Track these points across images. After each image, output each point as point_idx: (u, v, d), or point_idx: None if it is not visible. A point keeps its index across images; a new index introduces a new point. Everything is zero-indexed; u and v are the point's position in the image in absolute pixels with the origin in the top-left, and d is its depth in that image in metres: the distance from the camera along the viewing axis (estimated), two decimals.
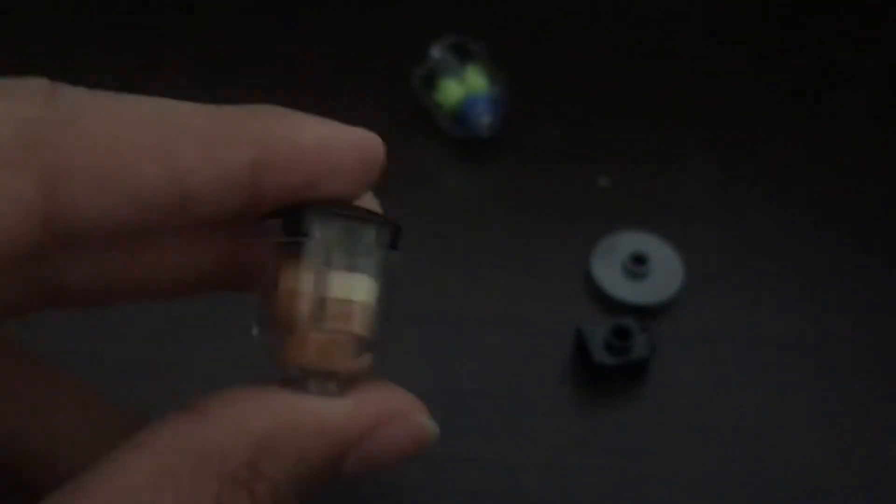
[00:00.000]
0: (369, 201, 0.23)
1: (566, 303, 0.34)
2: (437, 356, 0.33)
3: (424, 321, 0.33)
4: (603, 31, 0.44)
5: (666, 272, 0.35)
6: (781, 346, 0.33)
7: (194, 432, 0.17)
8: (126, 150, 0.18)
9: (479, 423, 0.31)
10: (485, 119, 0.38)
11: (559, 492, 0.30)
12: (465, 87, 0.38)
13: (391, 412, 0.20)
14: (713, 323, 0.34)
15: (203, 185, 0.18)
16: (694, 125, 0.40)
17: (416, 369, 0.32)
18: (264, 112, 0.20)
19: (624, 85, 0.42)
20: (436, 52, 0.39)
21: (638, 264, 0.34)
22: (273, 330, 0.20)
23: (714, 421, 0.31)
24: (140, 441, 0.17)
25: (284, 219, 0.19)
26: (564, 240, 0.36)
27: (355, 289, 0.20)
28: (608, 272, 0.35)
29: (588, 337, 0.32)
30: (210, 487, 0.17)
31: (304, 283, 0.19)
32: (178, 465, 0.17)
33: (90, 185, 0.17)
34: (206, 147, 0.18)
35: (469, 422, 0.31)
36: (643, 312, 0.34)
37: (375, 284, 0.20)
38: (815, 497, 0.30)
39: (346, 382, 0.20)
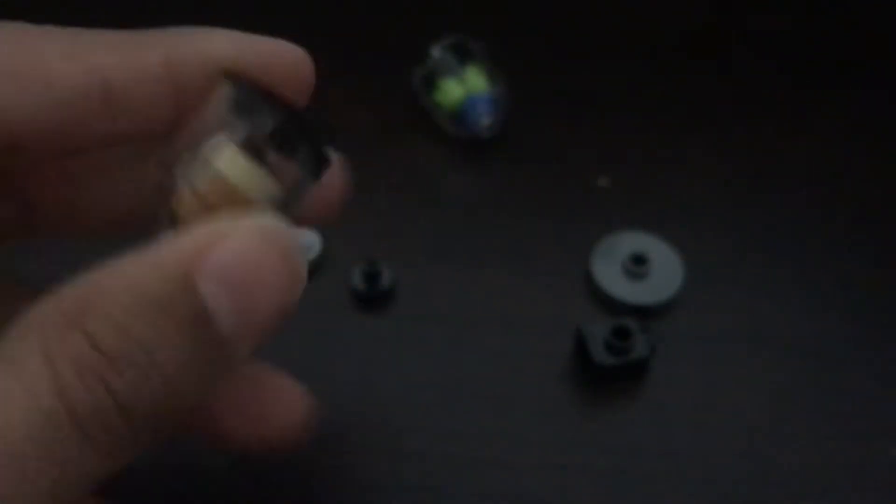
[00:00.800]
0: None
1: (566, 303, 0.34)
2: (437, 356, 0.33)
3: (424, 321, 0.33)
4: (603, 31, 0.44)
5: (666, 272, 0.35)
6: (781, 346, 0.33)
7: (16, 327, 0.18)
8: (37, 54, 0.19)
9: (479, 423, 0.31)
10: (485, 119, 0.38)
11: (559, 492, 0.30)
12: (465, 87, 0.38)
13: (217, 231, 0.18)
14: (713, 323, 0.34)
15: (121, 82, 0.20)
16: (694, 125, 0.40)
17: (417, 369, 0.32)
18: (175, 28, 0.22)
19: (624, 85, 0.42)
20: (436, 52, 0.39)
21: (638, 264, 0.34)
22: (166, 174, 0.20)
23: (714, 421, 0.31)
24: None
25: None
26: (564, 240, 0.36)
27: (237, 168, 0.19)
28: (608, 272, 0.35)
29: (588, 337, 0.32)
30: (35, 342, 0.17)
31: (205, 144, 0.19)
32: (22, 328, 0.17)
33: (8, 87, 0.19)
34: (118, 48, 0.20)
35: (469, 422, 0.31)
36: (643, 312, 0.34)
37: (265, 177, 0.19)
38: (815, 497, 0.30)
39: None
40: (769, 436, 0.31)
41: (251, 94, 0.20)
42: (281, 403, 0.24)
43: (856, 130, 0.40)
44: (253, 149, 0.19)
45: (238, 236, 0.18)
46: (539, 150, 0.39)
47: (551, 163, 0.39)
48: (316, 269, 0.34)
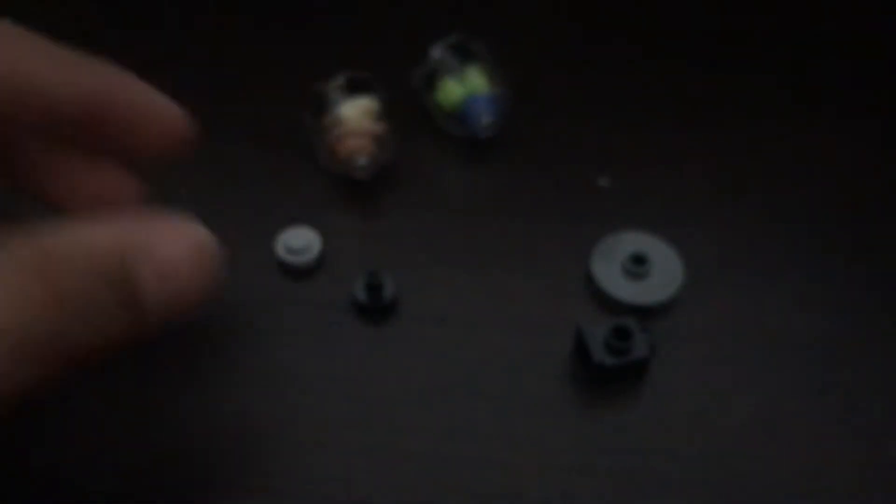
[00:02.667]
0: None
1: (566, 303, 0.34)
2: (436, 357, 0.33)
3: (424, 322, 0.33)
4: (603, 31, 0.44)
5: (666, 272, 0.35)
6: (781, 346, 0.33)
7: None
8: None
9: (479, 423, 0.31)
10: (485, 119, 0.38)
11: (559, 492, 0.30)
12: (465, 86, 0.38)
13: (166, 229, 0.24)
14: (713, 323, 0.34)
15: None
16: (694, 126, 0.40)
17: (416, 369, 0.32)
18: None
19: (624, 85, 0.42)
20: (436, 52, 0.39)
21: (638, 264, 0.34)
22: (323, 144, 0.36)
23: (714, 421, 0.31)
24: None
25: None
26: (564, 240, 0.36)
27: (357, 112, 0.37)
28: (608, 272, 0.35)
29: (588, 337, 0.32)
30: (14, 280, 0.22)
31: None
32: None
33: None
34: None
35: (469, 422, 0.31)
36: (643, 312, 0.34)
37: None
38: (815, 497, 0.30)
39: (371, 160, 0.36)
40: (769, 435, 0.31)
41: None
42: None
43: (856, 130, 0.40)
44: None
45: (179, 241, 0.24)
46: (539, 150, 0.39)
47: (551, 163, 0.39)
48: (315, 268, 0.34)
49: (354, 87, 0.37)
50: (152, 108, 0.28)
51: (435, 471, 0.30)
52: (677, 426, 0.31)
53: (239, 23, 0.44)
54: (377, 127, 0.36)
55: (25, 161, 0.28)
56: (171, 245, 0.24)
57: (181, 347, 0.32)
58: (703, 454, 0.31)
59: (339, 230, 0.36)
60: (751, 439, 0.31)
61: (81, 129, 0.27)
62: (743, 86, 0.42)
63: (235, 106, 0.40)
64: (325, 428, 0.31)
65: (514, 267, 0.35)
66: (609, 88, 0.42)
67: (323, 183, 0.37)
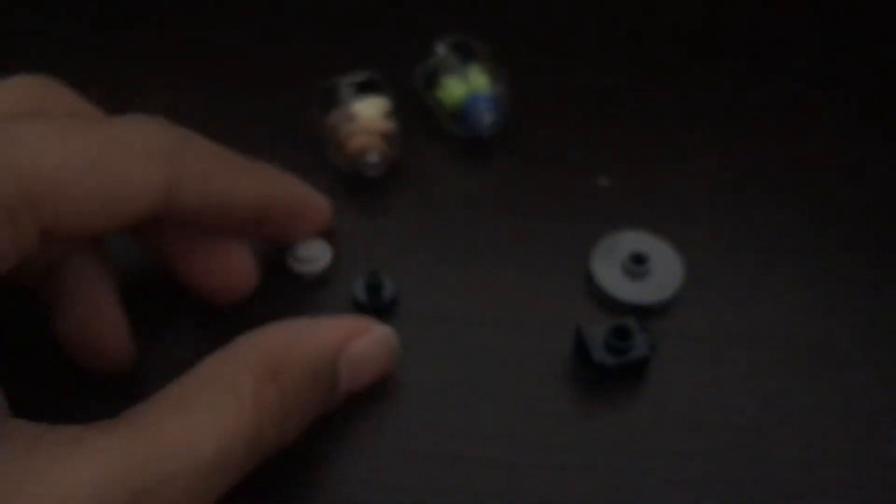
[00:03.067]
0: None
1: (566, 303, 0.34)
2: (437, 356, 0.33)
3: (424, 321, 0.33)
4: (604, 31, 0.44)
5: (666, 272, 0.35)
6: (781, 346, 0.33)
7: (233, 352, 0.26)
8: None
9: (478, 423, 0.31)
10: (487, 118, 0.38)
11: (559, 492, 0.30)
12: (467, 85, 0.38)
13: (360, 327, 0.29)
14: (713, 323, 0.34)
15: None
16: (694, 125, 0.40)
17: (416, 369, 0.32)
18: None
19: (624, 85, 0.42)
20: (439, 50, 0.39)
21: (638, 264, 0.34)
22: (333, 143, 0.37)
23: (714, 421, 0.31)
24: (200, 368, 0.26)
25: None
26: (564, 240, 0.36)
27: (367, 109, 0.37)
28: (608, 272, 0.35)
29: (588, 337, 0.32)
30: (244, 381, 0.25)
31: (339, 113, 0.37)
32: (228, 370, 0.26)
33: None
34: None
35: (469, 422, 0.31)
36: (643, 312, 0.34)
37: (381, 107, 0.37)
38: (814, 497, 0.30)
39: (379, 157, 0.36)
40: (769, 435, 0.31)
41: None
42: (232, 258, 0.32)
43: (856, 131, 0.40)
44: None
45: (369, 338, 0.29)
46: (540, 150, 0.39)
47: (552, 162, 0.39)
48: (324, 280, 0.34)
49: (364, 87, 0.37)
50: (309, 205, 0.32)
51: (435, 470, 0.30)
52: (677, 426, 0.31)
53: (238, 22, 0.44)
54: (389, 126, 0.37)
55: (173, 245, 0.31)
56: (363, 344, 0.29)
57: (179, 347, 0.32)
58: (703, 454, 0.31)
59: (338, 229, 0.36)
60: (750, 439, 0.31)
61: (245, 225, 0.31)
62: (743, 86, 0.42)
63: (236, 106, 0.40)
64: (324, 427, 0.31)
65: (514, 266, 0.35)
66: (610, 88, 0.42)
67: (324, 182, 0.37)
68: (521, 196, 0.38)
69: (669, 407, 0.32)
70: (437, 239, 0.36)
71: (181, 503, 0.23)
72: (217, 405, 0.24)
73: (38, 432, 0.23)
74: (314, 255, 0.34)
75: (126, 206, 0.26)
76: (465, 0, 0.45)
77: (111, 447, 0.22)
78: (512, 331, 0.33)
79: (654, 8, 0.45)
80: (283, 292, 0.34)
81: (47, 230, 0.25)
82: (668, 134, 0.40)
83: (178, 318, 0.33)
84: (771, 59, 0.43)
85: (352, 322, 0.29)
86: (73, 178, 0.24)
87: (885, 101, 0.42)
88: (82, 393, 0.31)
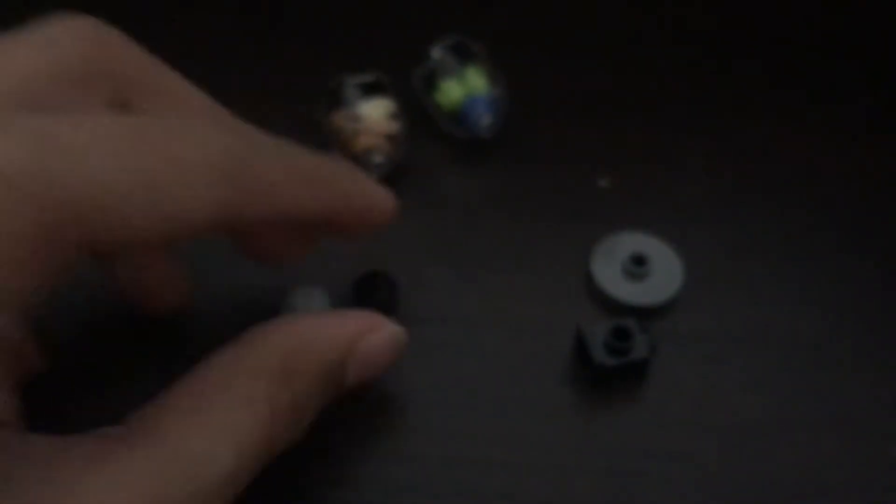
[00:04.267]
0: None
1: (566, 303, 0.34)
2: (437, 356, 0.33)
3: (424, 321, 0.33)
4: (604, 32, 0.44)
5: (666, 272, 0.35)
6: (781, 346, 0.33)
7: (244, 354, 0.26)
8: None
9: (478, 423, 0.31)
10: (485, 119, 0.38)
11: (559, 492, 0.30)
12: (465, 87, 0.38)
13: (370, 324, 0.28)
14: (713, 323, 0.34)
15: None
16: (694, 126, 0.40)
17: (416, 369, 0.32)
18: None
19: (624, 85, 0.42)
20: (436, 52, 0.39)
21: (638, 265, 0.34)
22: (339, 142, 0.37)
23: (714, 421, 0.31)
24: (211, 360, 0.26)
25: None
26: (564, 240, 0.36)
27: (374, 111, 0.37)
28: (608, 273, 0.35)
29: (588, 337, 0.32)
30: (259, 387, 0.25)
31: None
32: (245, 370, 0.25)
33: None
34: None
35: (469, 422, 0.31)
36: (643, 313, 0.34)
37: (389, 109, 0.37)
38: (815, 497, 0.30)
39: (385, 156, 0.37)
40: (769, 436, 0.31)
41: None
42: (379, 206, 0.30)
43: (857, 130, 0.40)
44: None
45: (378, 336, 0.28)
46: (539, 150, 0.39)
47: (551, 163, 0.39)
48: None
49: (369, 88, 0.37)
50: (375, 206, 0.30)
51: (434, 471, 0.30)
52: (677, 426, 0.31)
53: (238, 22, 0.44)
54: (394, 127, 0.37)
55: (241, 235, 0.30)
56: (373, 342, 0.28)
57: (176, 354, 0.32)
58: (703, 454, 0.31)
59: None
60: (751, 439, 0.31)
61: (305, 231, 0.30)
62: (743, 86, 0.42)
63: (236, 106, 0.40)
64: (323, 429, 0.31)
65: (513, 267, 0.35)
66: (609, 89, 0.42)
67: None
68: (521, 197, 0.38)
69: (669, 408, 0.32)
70: (437, 239, 0.36)
71: None
72: (233, 415, 0.24)
73: (57, 448, 0.22)
74: (310, 307, 0.33)
75: (179, 227, 0.23)
76: (464, 1, 0.45)
77: (134, 465, 0.22)
78: (512, 331, 0.33)
79: (654, 8, 0.45)
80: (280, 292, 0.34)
81: (89, 248, 0.22)
82: (668, 134, 0.40)
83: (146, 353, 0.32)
84: (771, 60, 0.43)
85: (362, 319, 0.28)
86: (125, 198, 0.22)
87: (886, 101, 0.42)
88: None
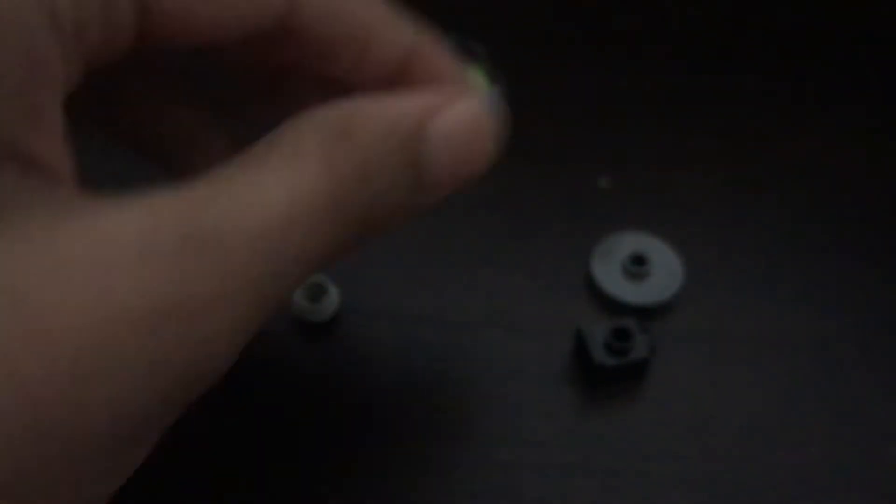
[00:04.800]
0: None
1: (566, 303, 0.34)
2: (436, 356, 0.33)
3: (424, 321, 0.33)
4: (603, 32, 0.44)
5: (666, 272, 0.35)
6: (781, 346, 0.33)
7: (284, 128, 0.22)
8: None
9: (478, 423, 0.31)
10: None
11: (559, 492, 0.30)
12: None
13: (440, 98, 0.23)
14: (713, 323, 0.34)
15: None
16: (694, 126, 0.40)
17: (415, 369, 0.32)
18: None
19: (624, 86, 0.42)
20: None
21: (638, 265, 0.34)
22: None
23: (714, 421, 0.31)
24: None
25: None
26: (564, 240, 0.36)
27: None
28: (608, 272, 0.35)
29: (588, 338, 0.32)
30: (313, 139, 0.21)
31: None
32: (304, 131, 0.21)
33: None
34: None
35: (468, 422, 0.31)
36: (643, 313, 0.34)
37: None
38: (815, 497, 0.30)
39: None
40: (769, 436, 0.31)
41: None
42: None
43: (856, 133, 0.40)
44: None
45: (455, 112, 0.23)
46: (539, 150, 0.39)
47: (551, 163, 0.39)
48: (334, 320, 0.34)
49: None
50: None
51: (434, 471, 0.30)
52: (677, 426, 0.31)
53: None
54: None
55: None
56: (458, 109, 0.24)
57: None
58: (703, 454, 0.31)
59: None
60: (751, 439, 0.31)
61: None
62: (744, 86, 0.42)
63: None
64: (322, 429, 0.31)
65: (513, 267, 0.35)
66: (609, 88, 0.42)
67: None
68: (521, 197, 0.38)
69: (669, 408, 0.32)
70: (436, 239, 0.36)
71: (249, 261, 0.19)
72: (285, 163, 0.21)
73: (89, 197, 0.20)
74: (320, 302, 0.33)
75: (245, 17, 0.21)
76: (464, 1, 0.45)
77: (163, 200, 0.19)
78: (512, 332, 0.33)
79: (654, 8, 0.45)
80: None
81: (146, 28, 0.21)
82: (668, 134, 0.40)
83: None
84: (771, 60, 0.43)
85: (430, 93, 0.24)
86: None
87: (886, 101, 0.42)
88: None
